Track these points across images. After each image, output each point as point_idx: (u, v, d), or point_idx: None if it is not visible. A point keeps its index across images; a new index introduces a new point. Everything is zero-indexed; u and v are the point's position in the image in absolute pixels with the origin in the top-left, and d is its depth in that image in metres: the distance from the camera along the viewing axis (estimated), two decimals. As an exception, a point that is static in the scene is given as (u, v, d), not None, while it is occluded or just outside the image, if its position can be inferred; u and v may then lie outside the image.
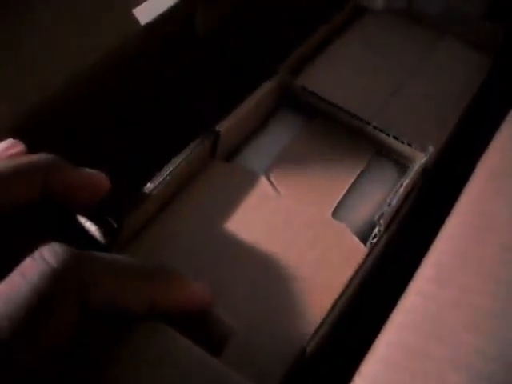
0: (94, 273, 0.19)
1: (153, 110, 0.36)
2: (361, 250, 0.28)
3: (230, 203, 0.29)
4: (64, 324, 0.18)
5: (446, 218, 0.27)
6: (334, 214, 0.29)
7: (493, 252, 0.23)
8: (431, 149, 0.31)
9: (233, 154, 0.32)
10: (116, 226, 0.26)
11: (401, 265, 0.27)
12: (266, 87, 0.33)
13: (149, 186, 0.27)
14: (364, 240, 0.28)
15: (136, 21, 0.31)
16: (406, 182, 0.29)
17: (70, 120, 0.31)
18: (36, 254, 0.18)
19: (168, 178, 0.27)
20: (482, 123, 0.35)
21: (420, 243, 0.27)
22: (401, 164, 0.32)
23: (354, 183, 0.31)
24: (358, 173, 0.31)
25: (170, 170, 0.28)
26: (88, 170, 0.25)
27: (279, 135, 0.33)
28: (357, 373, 0.22)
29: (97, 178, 0.24)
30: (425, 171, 0.31)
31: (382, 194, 0.31)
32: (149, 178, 0.28)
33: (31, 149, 0.24)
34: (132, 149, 0.34)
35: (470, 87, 0.36)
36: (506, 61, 0.39)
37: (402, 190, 0.29)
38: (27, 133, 0.26)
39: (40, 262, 0.18)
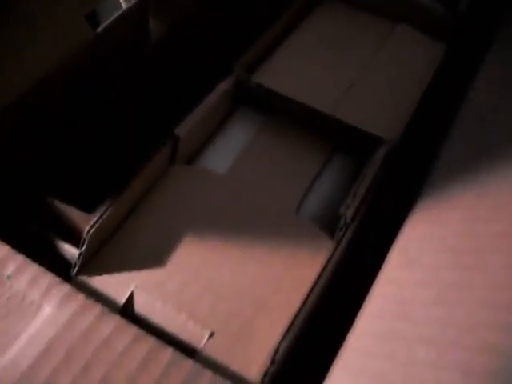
0: None
1: (108, 115, 0.35)
2: (328, 243, 0.27)
3: (193, 207, 0.28)
4: None
5: (408, 204, 0.27)
6: (299, 209, 0.29)
7: (455, 227, 0.24)
8: (390, 140, 0.31)
9: (193, 156, 0.31)
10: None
11: (369, 253, 0.27)
12: (223, 87, 0.32)
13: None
14: (330, 233, 0.28)
15: (88, 28, 0.31)
16: (369, 171, 0.29)
17: (22, 129, 0.30)
18: None
19: (127, 190, 0.27)
20: (439, 107, 0.35)
21: (385, 232, 0.27)
22: (361, 155, 0.32)
23: (315, 177, 0.31)
24: (319, 167, 0.31)
25: (129, 181, 0.27)
26: None
27: (239, 134, 0.33)
28: (334, 364, 0.22)
29: None
30: (386, 160, 0.31)
31: (344, 186, 0.31)
32: (109, 186, 0.27)
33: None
34: (87, 157, 0.33)
35: (426, 73, 0.36)
36: (459, 44, 0.39)
37: (366, 179, 0.29)
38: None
39: None
